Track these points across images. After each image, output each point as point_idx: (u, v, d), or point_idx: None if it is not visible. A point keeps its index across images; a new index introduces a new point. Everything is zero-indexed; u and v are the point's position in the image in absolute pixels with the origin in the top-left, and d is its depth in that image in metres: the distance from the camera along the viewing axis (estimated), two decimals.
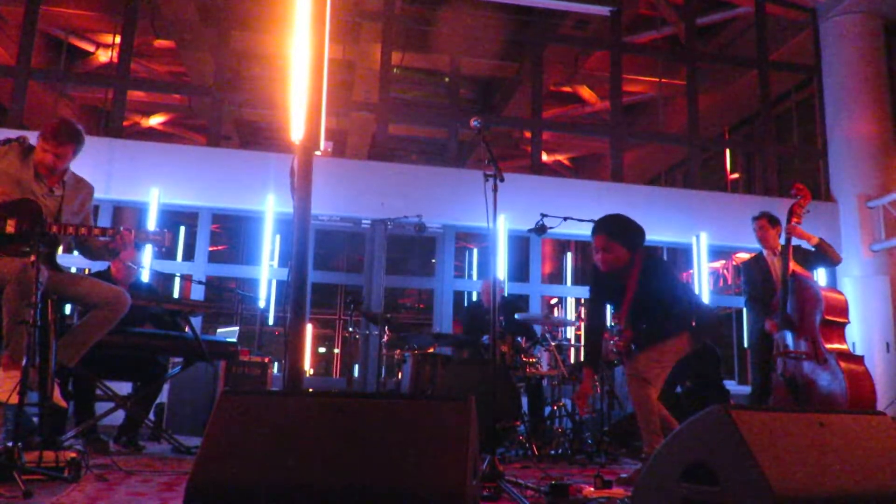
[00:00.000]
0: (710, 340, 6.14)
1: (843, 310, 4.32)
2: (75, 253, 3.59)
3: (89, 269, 5.22)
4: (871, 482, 1.93)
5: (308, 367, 12.56)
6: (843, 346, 4.27)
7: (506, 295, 6.88)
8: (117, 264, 4.83)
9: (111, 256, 3.61)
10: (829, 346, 4.19)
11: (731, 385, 8.05)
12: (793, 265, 4.41)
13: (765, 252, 4.91)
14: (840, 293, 4.46)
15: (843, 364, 4.09)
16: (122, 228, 3.33)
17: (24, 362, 2.79)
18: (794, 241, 4.52)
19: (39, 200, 3.28)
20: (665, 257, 3.87)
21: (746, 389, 5.97)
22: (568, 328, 7.90)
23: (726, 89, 11.31)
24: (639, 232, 3.68)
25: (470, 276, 14.32)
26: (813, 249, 4.68)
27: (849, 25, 9.26)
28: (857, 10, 9.19)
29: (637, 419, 3.53)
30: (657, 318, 3.57)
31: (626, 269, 3.63)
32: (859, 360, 4.25)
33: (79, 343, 3.30)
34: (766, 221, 4.87)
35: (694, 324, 3.63)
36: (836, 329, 4.29)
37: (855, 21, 9.24)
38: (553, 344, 5.56)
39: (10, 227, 3.18)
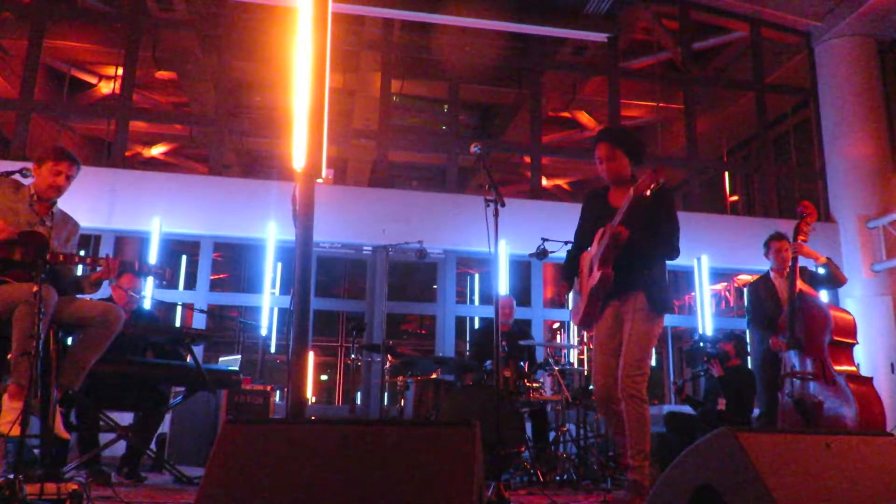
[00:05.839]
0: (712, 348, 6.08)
1: (851, 330, 4.24)
2: None
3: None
4: None
5: (310, 394, 12.48)
6: (852, 368, 4.19)
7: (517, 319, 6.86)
8: (118, 291, 4.83)
9: (93, 289, 3.61)
10: (837, 367, 4.10)
11: None
12: (800, 284, 4.34)
13: (772, 273, 4.87)
14: (848, 313, 4.35)
15: (852, 386, 3.99)
16: (106, 255, 3.39)
17: (26, 394, 2.79)
18: (800, 262, 4.46)
19: (35, 230, 3.34)
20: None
21: (754, 412, 5.92)
22: (571, 352, 7.85)
23: (724, 112, 11.40)
24: (642, 146, 3.40)
25: (472, 301, 14.29)
26: (817, 269, 4.65)
27: (843, 48, 9.37)
28: (851, 32, 9.29)
29: (627, 443, 3.14)
30: (640, 263, 3.19)
31: (624, 188, 3.23)
32: (868, 381, 4.16)
33: (78, 364, 3.29)
34: (787, 241, 4.73)
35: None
36: (845, 350, 4.21)
37: (849, 44, 9.35)
38: (556, 368, 5.52)
39: (17, 254, 3.27)
